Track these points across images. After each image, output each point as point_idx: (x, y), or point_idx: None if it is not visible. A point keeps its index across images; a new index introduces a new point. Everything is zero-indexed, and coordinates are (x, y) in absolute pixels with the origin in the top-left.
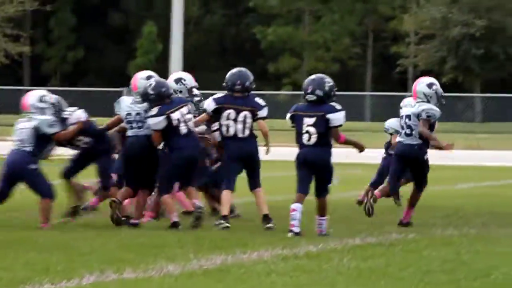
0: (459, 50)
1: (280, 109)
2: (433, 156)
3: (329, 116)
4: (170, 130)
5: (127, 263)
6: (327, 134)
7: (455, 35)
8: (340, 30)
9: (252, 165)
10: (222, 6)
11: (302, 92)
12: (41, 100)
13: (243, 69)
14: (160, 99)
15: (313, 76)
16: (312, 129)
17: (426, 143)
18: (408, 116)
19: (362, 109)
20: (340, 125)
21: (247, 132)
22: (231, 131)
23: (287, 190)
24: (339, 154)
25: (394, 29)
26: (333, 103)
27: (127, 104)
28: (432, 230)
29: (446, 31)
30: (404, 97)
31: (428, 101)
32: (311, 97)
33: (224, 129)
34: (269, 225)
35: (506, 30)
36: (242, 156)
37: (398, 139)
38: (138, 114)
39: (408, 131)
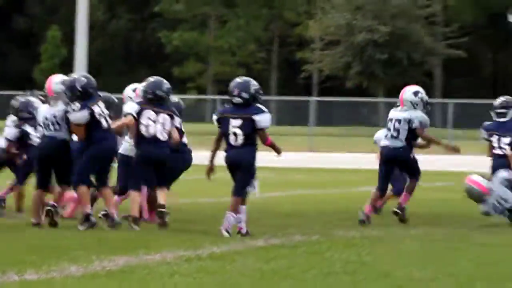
0: (363, 56)
1: (185, 113)
2: (332, 160)
3: (255, 117)
4: (92, 123)
5: (29, 264)
6: (253, 136)
7: (360, 41)
8: (245, 35)
9: (162, 168)
10: (127, 10)
11: (208, 97)
12: None
13: (157, 78)
14: (84, 97)
15: (238, 79)
16: (238, 131)
17: (410, 145)
18: (398, 120)
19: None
20: (267, 127)
21: (165, 135)
22: (151, 131)
23: (195, 193)
24: None
25: (300, 34)
26: (258, 105)
27: (44, 109)
28: (334, 232)
29: (351, 37)
30: (308, 101)
31: (415, 108)
32: (238, 100)
33: (143, 129)
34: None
35: (409, 36)
36: (154, 159)
37: (383, 142)
38: (54, 116)
39: (394, 134)
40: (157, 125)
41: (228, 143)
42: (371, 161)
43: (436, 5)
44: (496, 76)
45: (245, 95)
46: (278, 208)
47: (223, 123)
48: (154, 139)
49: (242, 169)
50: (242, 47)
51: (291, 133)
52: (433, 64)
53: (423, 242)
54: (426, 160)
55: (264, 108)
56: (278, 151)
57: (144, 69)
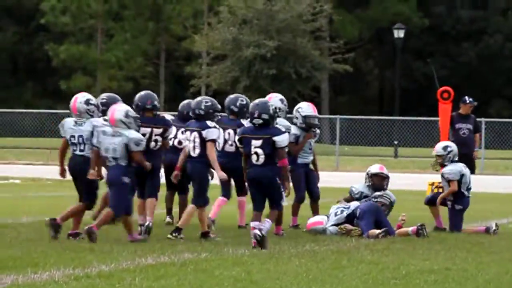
0: (251, 71)
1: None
2: None
3: (275, 138)
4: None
5: None
6: (273, 155)
7: (247, 56)
8: (132, 49)
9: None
10: (14, 23)
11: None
12: (127, 115)
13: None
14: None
15: (256, 101)
16: (259, 150)
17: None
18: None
19: None
20: (286, 146)
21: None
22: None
23: None
24: None
25: (187, 48)
26: (277, 126)
27: (69, 127)
28: (224, 249)
29: (238, 52)
30: None
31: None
32: (258, 121)
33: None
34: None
35: (296, 51)
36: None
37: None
38: (80, 136)
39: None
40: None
41: (250, 162)
42: None
43: (322, 19)
44: (382, 92)
45: (265, 116)
46: (162, 223)
47: (245, 143)
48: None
49: (267, 187)
50: (130, 61)
51: None
52: (321, 79)
53: (311, 260)
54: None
55: (282, 129)
56: (286, 177)
57: (32, 83)
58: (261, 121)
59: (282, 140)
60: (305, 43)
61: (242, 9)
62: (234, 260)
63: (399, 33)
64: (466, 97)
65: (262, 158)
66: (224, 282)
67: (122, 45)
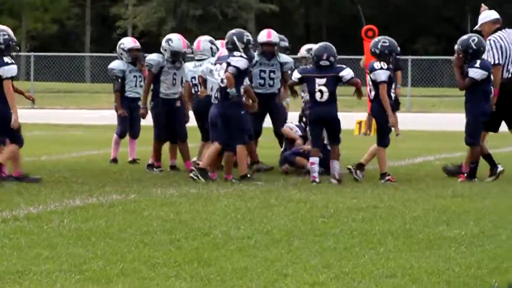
0: (177, 11)
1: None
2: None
3: (341, 74)
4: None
5: None
6: (335, 92)
7: None
8: None
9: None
10: None
11: (22, 54)
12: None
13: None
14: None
15: (323, 45)
16: (324, 88)
17: None
18: None
19: (82, 70)
20: (352, 78)
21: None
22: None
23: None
24: (57, 116)
25: None
26: (338, 65)
27: (189, 69)
28: (152, 190)
29: None
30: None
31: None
32: (326, 63)
33: None
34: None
35: None
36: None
37: None
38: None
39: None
40: None
41: (314, 100)
42: None
43: None
44: (309, 31)
45: (332, 59)
46: (93, 166)
47: (308, 82)
48: None
49: (331, 122)
50: (55, 2)
51: (107, 90)
52: (247, 19)
53: (239, 199)
54: None
55: (343, 66)
56: (359, 92)
57: None
58: (328, 63)
59: (347, 73)
60: None
61: None
62: (163, 201)
63: None
64: None
65: (326, 95)
66: (153, 222)
67: None
